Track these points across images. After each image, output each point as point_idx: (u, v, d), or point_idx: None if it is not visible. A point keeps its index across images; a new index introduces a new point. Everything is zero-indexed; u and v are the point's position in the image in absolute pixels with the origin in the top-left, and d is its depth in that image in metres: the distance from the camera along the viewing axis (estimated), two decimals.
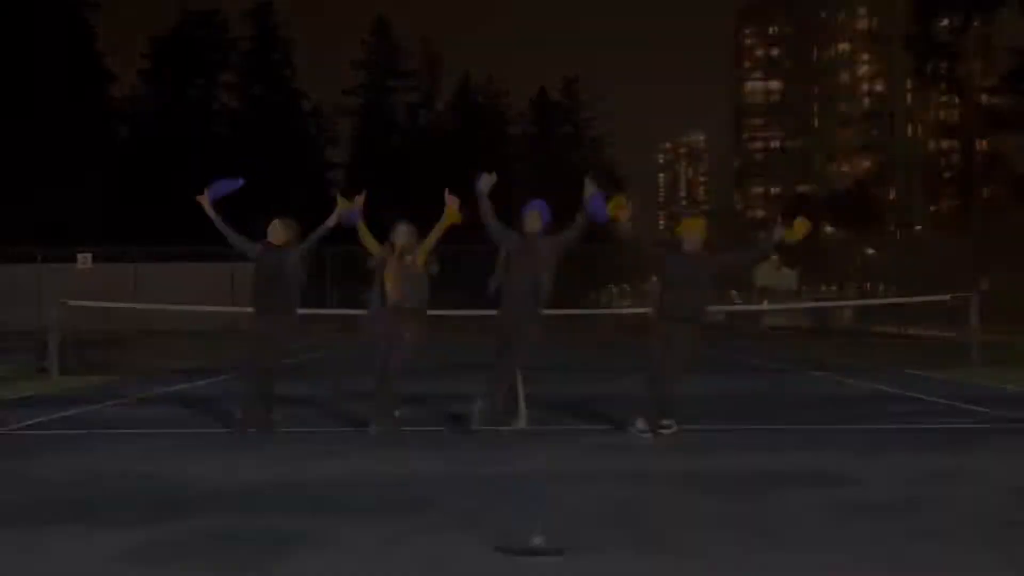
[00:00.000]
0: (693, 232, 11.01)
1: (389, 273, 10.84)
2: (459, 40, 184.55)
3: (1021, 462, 9.31)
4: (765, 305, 58.78)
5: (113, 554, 6.00)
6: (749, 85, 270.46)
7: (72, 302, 21.53)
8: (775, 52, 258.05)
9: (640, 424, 10.60)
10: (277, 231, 11.21)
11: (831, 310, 52.73)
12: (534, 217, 10.97)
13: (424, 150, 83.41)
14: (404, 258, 10.87)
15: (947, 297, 24.42)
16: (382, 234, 10.95)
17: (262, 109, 79.98)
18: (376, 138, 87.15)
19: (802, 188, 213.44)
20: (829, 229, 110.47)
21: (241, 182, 11.71)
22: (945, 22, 75.57)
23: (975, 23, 72.38)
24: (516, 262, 10.83)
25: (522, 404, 11.19)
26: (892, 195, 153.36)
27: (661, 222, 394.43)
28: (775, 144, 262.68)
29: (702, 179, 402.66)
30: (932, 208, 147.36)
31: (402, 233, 10.95)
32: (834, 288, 69.40)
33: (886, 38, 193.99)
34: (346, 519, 6.81)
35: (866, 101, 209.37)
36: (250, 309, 11.22)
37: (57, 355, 19.41)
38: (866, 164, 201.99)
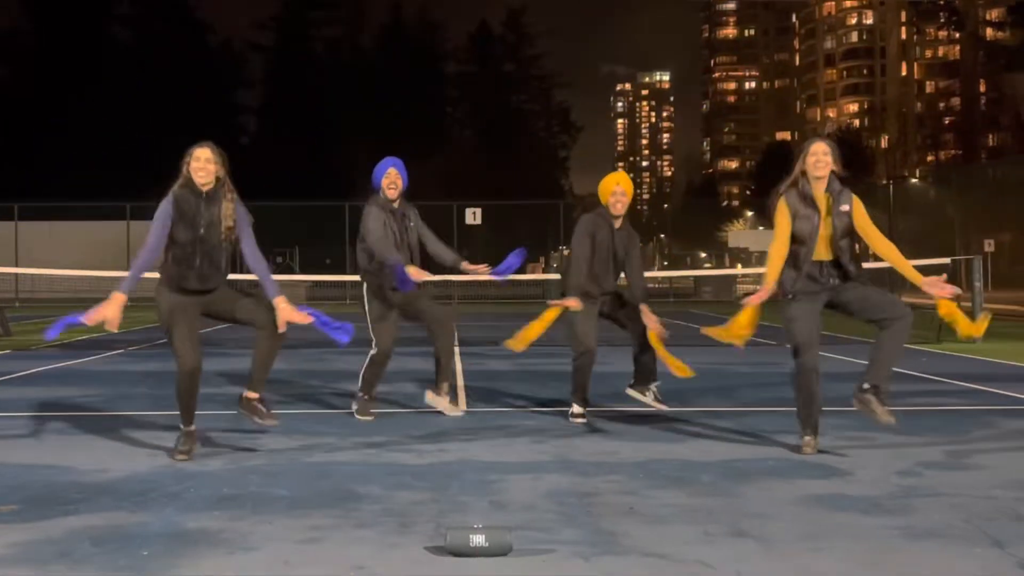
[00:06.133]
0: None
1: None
2: None
3: None
4: (738, 269, 58.90)
5: None
6: (721, 17, 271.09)
7: None
8: None
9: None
10: None
11: None
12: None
13: (347, 91, 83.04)
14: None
15: (947, 260, 24.55)
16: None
17: (162, 46, 79.34)
18: (292, 78, 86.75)
19: (780, 135, 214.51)
20: None
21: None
22: None
23: None
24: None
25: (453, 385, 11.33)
26: (883, 143, 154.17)
27: None
28: (750, 85, 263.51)
29: (665, 125, 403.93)
30: (929, 158, 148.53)
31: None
32: None
33: None
34: (258, 516, 6.77)
35: (853, 36, 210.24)
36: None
37: None
38: (853, 108, 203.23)
